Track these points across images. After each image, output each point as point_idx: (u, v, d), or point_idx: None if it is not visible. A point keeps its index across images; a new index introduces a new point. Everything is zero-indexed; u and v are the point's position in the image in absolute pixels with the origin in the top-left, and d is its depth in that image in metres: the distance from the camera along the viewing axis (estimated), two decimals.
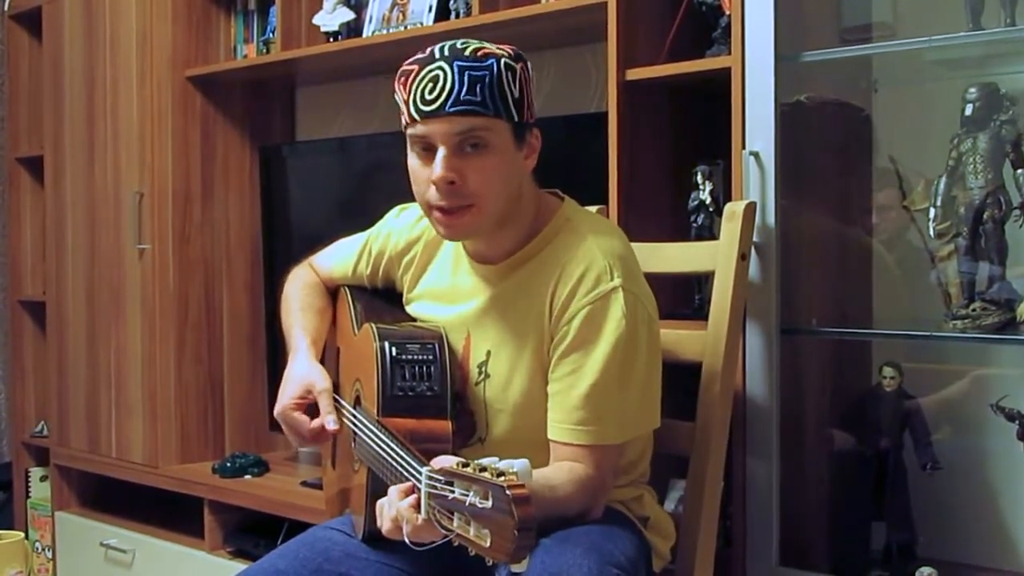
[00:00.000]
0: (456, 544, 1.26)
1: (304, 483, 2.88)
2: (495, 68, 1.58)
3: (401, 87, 1.62)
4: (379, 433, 1.57)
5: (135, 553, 3.18)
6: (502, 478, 1.19)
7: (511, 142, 1.61)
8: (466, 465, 1.25)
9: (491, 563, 1.23)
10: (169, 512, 3.23)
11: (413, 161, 1.63)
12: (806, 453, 2.11)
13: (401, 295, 1.88)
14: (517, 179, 1.65)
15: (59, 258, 3.46)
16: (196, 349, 3.18)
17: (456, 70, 1.56)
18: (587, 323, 1.59)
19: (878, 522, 2.04)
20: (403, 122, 1.63)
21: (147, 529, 3.20)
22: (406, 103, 1.61)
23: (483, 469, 1.22)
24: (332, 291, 2.00)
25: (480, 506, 1.20)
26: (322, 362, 1.85)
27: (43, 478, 3.72)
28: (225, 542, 2.99)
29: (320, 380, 1.75)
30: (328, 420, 1.71)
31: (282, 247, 3.19)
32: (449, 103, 1.56)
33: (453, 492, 1.25)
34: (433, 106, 1.57)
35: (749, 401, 1.98)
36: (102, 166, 3.27)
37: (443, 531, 1.28)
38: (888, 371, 2.01)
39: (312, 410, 1.75)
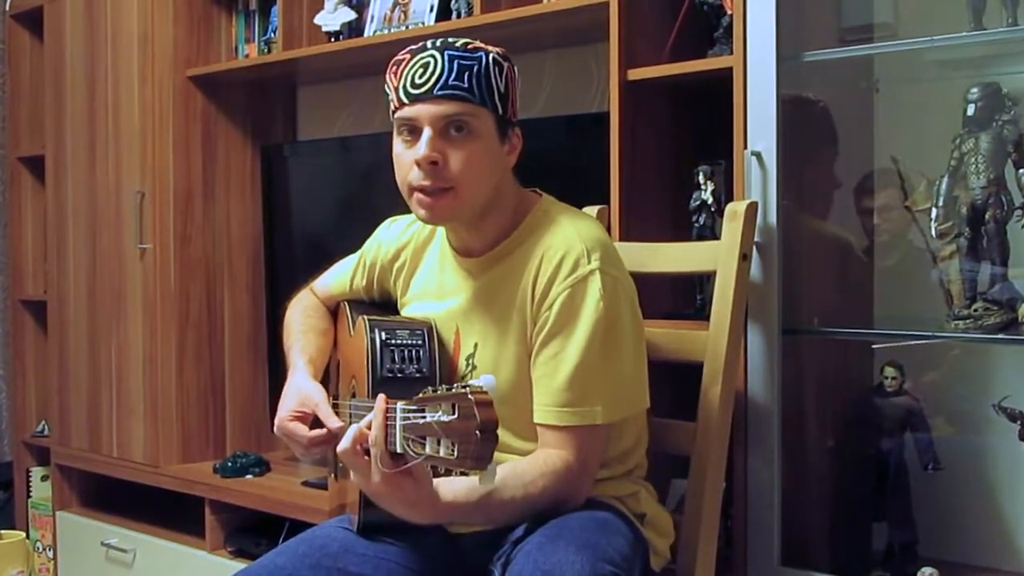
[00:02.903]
0: (428, 467, 1.29)
1: (305, 483, 2.88)
2: (483, 60, 1.64)
3: (392, 75, 1.67)
4: (364, 404, 1.59)
5: (136, 553, 3.17)
6: (466, 388, 1.24)
7: (495, 133, 1.66)
8: (436, 390, 1.30)
9: (458, 473, 1.27)
10: (170, 512, 3.22)
11: (398, 146, 1.67)
12: (807, 453, 2.11)
13: (396, 303, 1.91)
14: (498, 171, 1.68)
15: (60, 258, 3.46)
16: (197, 349, 3.18)
17: (446, 58, 1.62)
18: (566, 307, 1.62)
19: (879, 522, 2.03)
20: (391, 108, 1.67)
21: (148, 529, 3.20)
22: (395, 89, 1.65)
23: (450, 388, 1.28)
24: (334, 311, 2.01)
25: (447, 420, 1.24)
26: (325, 381, 1.86)
27: (44, 478, 3.72)
28: (226, 542, 2.98)
29: (315, 392, 1.76)
30: (331, 422, 1.71)
31: (283, 247, 3.19)
32: (437, 87, 1.61)
33: (424, 417, 1.29)
34: (421, 89, 1.61)
35: (750, 401, 1.98)
36: (103, 166, 3.26)
37: (415, 455, 1.31)
38: (890, 371, 2.00)
39: (312, 423, 1.75)
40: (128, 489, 3.32)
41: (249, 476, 3.00)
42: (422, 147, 1.61)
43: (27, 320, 3.82)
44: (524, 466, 1.59)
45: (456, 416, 1.24)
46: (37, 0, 3.53)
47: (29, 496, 3.77)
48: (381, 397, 1.44)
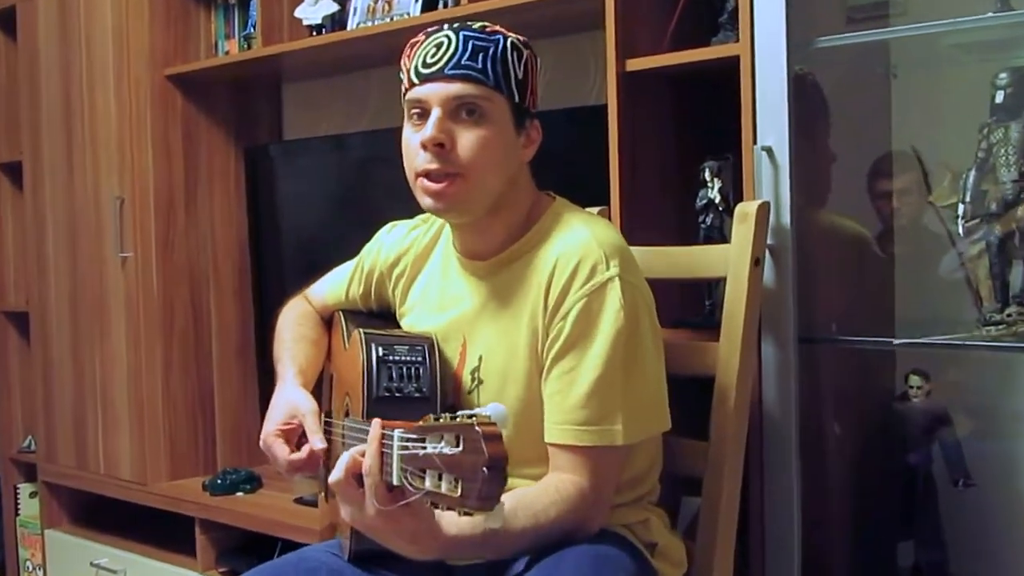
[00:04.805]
0: (428, 504, 1.20)
1: (298, 500, 2.78)
2: (501, 43, 1.56)
3: (406, 57, 1.61)
4: (358, 426, 1.50)
5: (126, 573, 3.08)
6: (473, 418, 1.15)
7: (510, 122, 1.57)
8: (438, 418, 1.20)
9: (461, 512, 1.16)
10: (161, 529, 3.12)
11: (407, 131, 1.59)
12: (828, 470, 2.00)
13: (395, 315, 1.82)
14: (512, 163, 1.59)
15: (40, 268, 3.35)
16: (183, 360, 3.07)
17: (461, 38, 1.55)
18: (583, 317, 1.51)
19: (906, 541, 1.94)
20: (403, 91, 1.60)
21: (138, 548, 3.11)
22: (408, 71, 1.59)
23: (455, 416, 1.17)
24: (328, 321, 1.92)
25: (450, 452, 1.14)
26: (317, 392, 1.78)
27: (32, 494, 3.62)
28: (218, 562, 2.89)
29: (305, 402, 1.67)
30: (315, 440, 1.62)
31: (271, 252, 3.09)
32: (449, 66, 1.54)
33: (425, 448, 1.18)
34: (432, 68, 1.54)
35: (766, 416, 1.86)
36: (81, 171, 3.15)
37: (414, 490, 1.21)
38: (915, 380, 1.91)
39: (300, 438, 1.67)
40: (118, 506, 3.21)
41: (240, 493, 2.90)
42: (429, 128, 1.53)
43: (10, 332, 3.72)
44: (534, 494, 1.48)
45: (461, 449, 1.13)
46: (9, 0, 3.40)
47: (17, 514, 3.67)
48: (376, 422, 1.33)
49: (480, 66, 1.53)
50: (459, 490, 1.13)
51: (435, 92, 1.53)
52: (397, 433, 1.25)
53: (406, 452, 1.22)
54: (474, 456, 1.11)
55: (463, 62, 1.53)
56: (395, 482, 1.25)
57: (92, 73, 3.07)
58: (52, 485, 3.40)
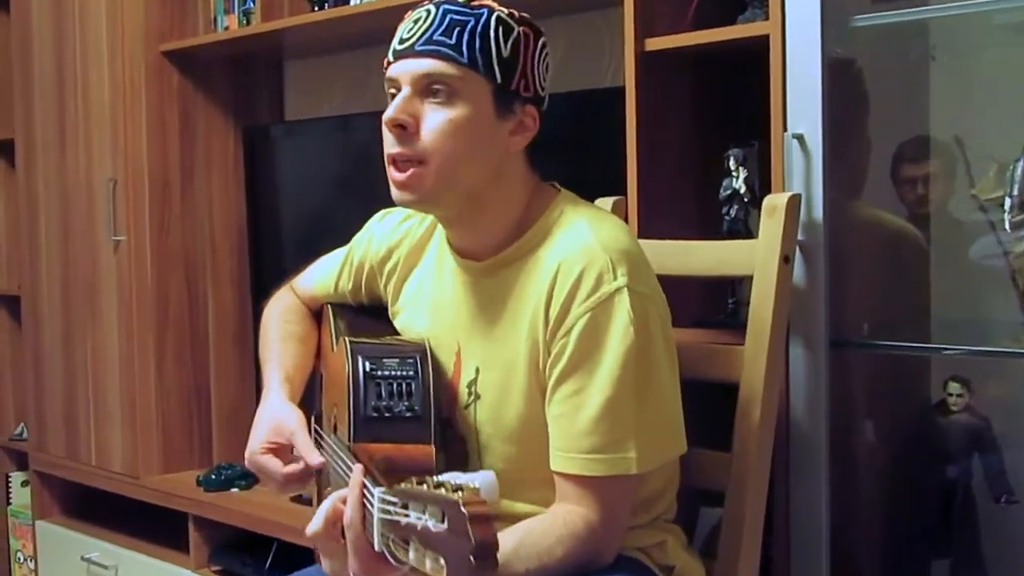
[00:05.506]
0: None
1: (295, 499, 2.65)
2: (484, 18, 1.43)
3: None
4: (347, 460, 1.38)
5: (117, 569, 2.99)
6: (459, 493, 1.03)
7: (489, 105, 1.44)
8: (422, 482, 1.09)
9: None
10: (154, 523, 3.02)
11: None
12: (859, 482, 1.89)
13: (388, 310, 1.69)
14: (491, 151, 1.45)
15: (32, 250, 3.26)
16: (178, 349, 2.97)
17: (440, 12, 1.44)
18: (588, 333, 1.39)
19: (942, 559, 1.84)
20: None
21: (131, 542, 3.02)
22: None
23: (440, 485, 1.06)
24: (317, 313, 1.80)
25: (435, 529, 1.03)
26: (310, 387, 1.69)
27: (24, 483, 3.53)
28: (211, 560, 2.79)
29: (291, 418, 1.55)
30: (311, 457, 1.49)
31: (270, 237, 2.99)
32: (420, 41, 1.42)
33: (408, 516, 1.08)
34: (405, 45, 1.44)
35: (793, 425, 1.74)
36: (73, 151, 3.05)
37: (396, 564, 1.12)
38: (955, 387, 1.79)
39: (290, 454, 1.56)
40: (110, 498, 3.12)
41: (234, 490, 2.80)
42: (391, 108, 1.42)
43: (2, 316, 3.64)
44: (539, 532, 1.35)
45: (446, 527, 1.02)
46: None
47: (9, 503, 3.58)
48: (358, 468, 1.23)
49: (453, 41, 1.41)
50: (444, 574, 1.03)
51: (405, 70, 1.42)
52: (378, 493, 1.15)
53: (387, 517, 1.12)
54: (460, 540, 1.01)
55: (435, 37, 1.42)
56: (376, 547, 1.16)
57: (86, 48, 2.97)
58: (43, 475, 3.31)
